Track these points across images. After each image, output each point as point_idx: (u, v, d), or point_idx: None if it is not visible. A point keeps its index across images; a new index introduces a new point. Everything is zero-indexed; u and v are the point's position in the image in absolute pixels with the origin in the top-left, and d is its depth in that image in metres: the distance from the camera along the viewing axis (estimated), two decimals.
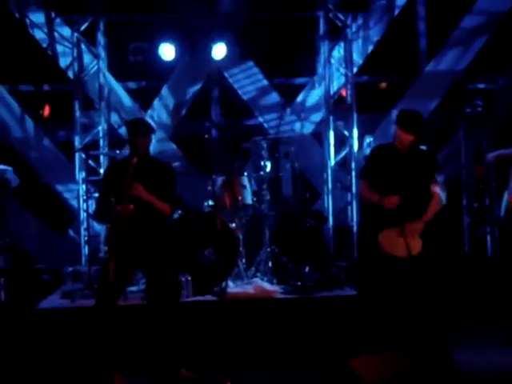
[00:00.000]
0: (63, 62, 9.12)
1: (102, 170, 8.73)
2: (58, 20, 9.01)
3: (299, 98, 9.52)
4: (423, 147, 6.32)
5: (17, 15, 9.02)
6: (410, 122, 5.98)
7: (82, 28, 8.84)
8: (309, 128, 9.48)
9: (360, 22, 9.30)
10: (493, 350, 6.67)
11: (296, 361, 6.38)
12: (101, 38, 9.04)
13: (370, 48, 9.46)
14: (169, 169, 6.03)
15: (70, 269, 7.90)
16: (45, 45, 9.12)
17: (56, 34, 9.05)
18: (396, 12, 9.40)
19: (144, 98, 9.27)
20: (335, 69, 9.17)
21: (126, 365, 5.89)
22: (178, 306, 6.03)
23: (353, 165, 9.02)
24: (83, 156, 8.78)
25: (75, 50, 8.89)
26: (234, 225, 7.49)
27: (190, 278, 6.84)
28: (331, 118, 9.08)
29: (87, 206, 8.40)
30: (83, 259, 8.69)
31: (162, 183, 5.85)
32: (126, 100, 9.30)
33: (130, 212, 5.58)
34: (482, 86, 9.15)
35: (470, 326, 7.48)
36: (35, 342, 6.37)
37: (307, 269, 7.61)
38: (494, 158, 8.47)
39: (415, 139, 5.93)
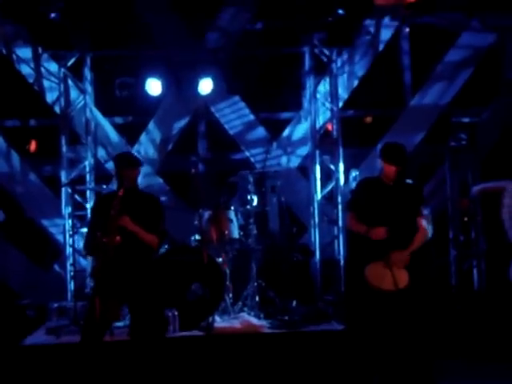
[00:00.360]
0: (50, 97, 9.15)
1: (88, 205, 8.72)
2: (44, 55, 9.05)
3: (285, 133, 9.57)
4: (409, 181, 6.36)
5: (3, 51, 9.05)
6: (392, 153, 6.04)
7: (69, 63, 8.89)
8: (295, 162, 9.51)
9: (345, 57, 9.40)
10: (480, 382, 6.65)
11: None
12: (87, 74, 9.08)
13: (355, 83, 9.54)
14: (156, 201, 6.01)
15: (56, 304, 7.84)
16: (31, 80, 9.14)
17: (43, 70, 9.08)
18: (381, 47, 9.51)
19: (131, 133, 9.30)
20: (321, 103, 9.25)
21: None
22: (164, 341, 5.97)
23: (339, 198, 9.05)
24: (69, 191, 8.76)
25: (62, 85, 8.93)
26: (220, 259, 7.48)
27: (176, 313, 6.80)
28: (317, 152, 9.14)
29: (73, 241, 8.36)
30: (69, 295, 8.63)
31: (150, 215, 5.84)
32: (113, 135, 9.31)
33: (117, 243, 5.55)
34: (466, 119, 9.24)
35: (457, 358, 7.46)
36: (20, 379, 6.29)
37: (294, 303, 7.60)
38: (478, 191, 8.53)
39: (399, 170, 5.97)
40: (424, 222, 6.05)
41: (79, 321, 6.96)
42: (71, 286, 8.64)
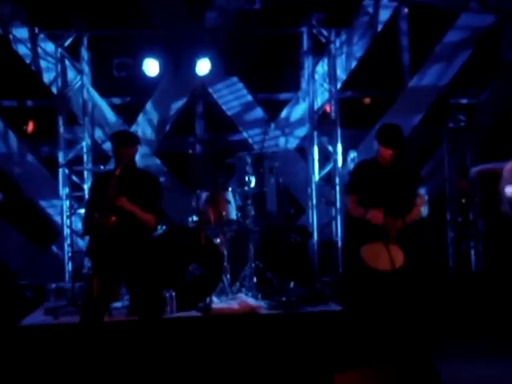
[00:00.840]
0: (47, 77, 9.11)
1: (85, 186, 8.70)
2: (41, 35, 8.99)
3: (283, 114, 9.55)
4: (406, 162, 6.36)
5: (0, 31, 8.99)
6: (389, 136, 6.03)
7: (66, 43, 8.83)
8: (293, 143, 9.50)
9: (343, 37, 9.36)
10: (477, 363, 6.68)
11: (281, 376, 6.35)
12: (85, 54, 9.03)
13: (354, 63, 9.51)
14: (154, 180, 5.99)
15: (54, 285, 7.85)
16: (28, 60, 9.10)
17: (39, 50, 9.03)
18: (379, 28, 9.47)
19: (128, 114, 9.27)
20: (319, 84, 9.22)
21: (110, 381, 5.84)
22: (162, 321, 5.98)
23: (337, 180, 9.04)
24: (67, 172, 8.74)
25: (59, 66, 8.87)
26: (218, 240, 7.48)
27: (174, 294, 6.81)
28: (315, 133, 9.12)
29: (71, 222, 8.35)
30: (67, 275, 8.63)
31: (147, 194, 5.82)
32: (110, 115, 9.28)
33: (113, 224, 5.55)
34: (464, 100, 9.22)
35: (454, 339, 7.49)
36: (18, 360, 6.31)
37: (292, 284, 7.61)
38: (477, 172, 8.52)
39: (396, 153, 5.96)
40: (420, 202, 6.05)
41: (77, 301, 6.98)
42: (69, 266, 8.63)
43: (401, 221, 5.90)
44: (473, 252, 9.28)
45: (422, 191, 6.12)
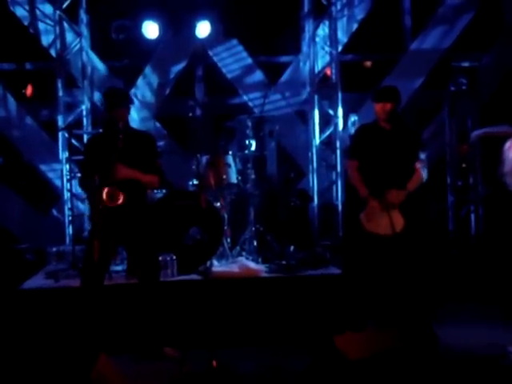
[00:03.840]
0: (45, 40, 9.03)
1: (84, 149, 8.67)
2: None
3: (284, 77, 9.48)
4: (407, 125, 6.34)
5: None
6: (379, 92, 6.07)
7: (64, 5, 8.74)
8: (293, 107, 9.44)
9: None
10: (476, 326, 6.73)
11: (281, 339, 6.40)
12: (83, 16, 8.95)
13: (355, 26, 9.42)
14: (150, 139, 5.95)
15: (54, 249, 7.86)
16: (26, 23, 9.02)
17: (37, 12, 8.94)
18: None
19: (127, 77, 9.20)
20: (320, 47, 9.15)
21: (111, 344, 5.88)
22: (159, 284, 6.01)
23: (337, 144, 9.02)
24: (66, 135, 8.71)
25: (57, 28, 8.80)
26: (218, 204, 7.47)
27: (174, 258, 6.83)
28: (316, 96, 9.08)
29: (71, 186, 8.35)
30: (67, 239, 8.66)
31: (146, 154, 5.80)
32: (110, 78, 9.21)
33: (122, 200, 5.52)
34: (466, 64, 9.15)
35: (453, 302, 7.54)
36: (20, 323, 6.35)
37: (292, 248, 7.62)
38: (478, 136, 8.48)
39: (388, 108, 5.93)
40: (419, 166, 6.05)
41: (78, 264, 7.00)
42: (69, 230, 8.65)
43: (404, 192, 5.90)
44: (473, 216, 9.29)
45: (422, 155, 6.12)
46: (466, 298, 7.65)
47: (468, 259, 8.39)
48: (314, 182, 9.10)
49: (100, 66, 9.18)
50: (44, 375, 4.82)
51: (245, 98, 9.39)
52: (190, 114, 7.84)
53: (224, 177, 7.44)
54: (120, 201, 5.52)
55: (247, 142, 7.78)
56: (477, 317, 7.08)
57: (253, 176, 7.74)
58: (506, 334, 5.94)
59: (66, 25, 8.84)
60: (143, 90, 9.27)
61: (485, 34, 9.46)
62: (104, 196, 5.49)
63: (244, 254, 7.48)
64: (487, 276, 7.95)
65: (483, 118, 9.10)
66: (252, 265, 7.10)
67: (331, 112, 9.06)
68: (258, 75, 9.41)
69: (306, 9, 9.21)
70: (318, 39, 9.13)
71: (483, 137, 8.31)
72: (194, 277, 6.86)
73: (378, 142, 6.03)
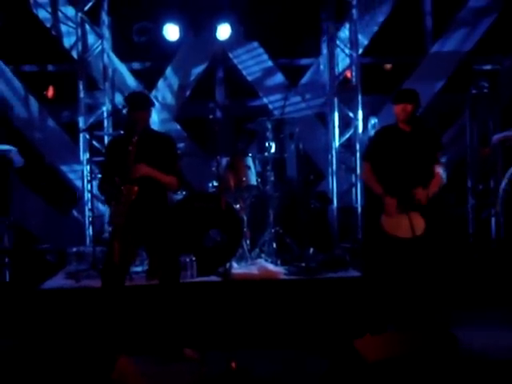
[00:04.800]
0: (67, 42, 9.10)
1: (104, 151, 8.72)
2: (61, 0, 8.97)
3: (304, 79, 9.49)
4: (427, 127, 6.32)
5: None
6: (398, 93, 6.09)
7: (86, 8, 8.79)
8: (313, 109, 9.44)
9: (366, 2, 9.25)
10: (497, 331, 6.68)
11: (300, 341, 6.39)
12: (105, 18, 9.01)
13: (376, 28, 9.40)
14: (170, 141, 5.98)
15: (75, 249, 7.90)
16: (48, 25, 9.09)
17: (60, 14, 9.02)
18: None
19: (148, 79, 9.25)
20: (340, 50, 9.13)
21: (131, 345, 5.91)
22: (180, 285, 6.03)
23: (357, 146, 8.99)
24: (87, 137, 8.75)
25: (79, 30, 8.84)
26: (238, 206, 7.49)
27: (194, 259, 6.85)
28: (336, 99, 9.05)
29: (91, 187, 8.39)
30: (87, 240, 8.70)
31: (165, 156, 5.82)
32: (131, 80, 9.26)
33: (136, 194, 5.57)
34: (487, 67, 9.11)
35: (473, 307, 7.49)
36: (40, 323, 6.39)
37: (311, 250, 7.61)
38: (499, 139, 8.46)
39: (408, 109, 5.93)
40: (440, 169, 6.03)
41: (98, 265, 7.03)
42: (90, 231, 8.70)
43: (428, 191, 5.89)
44: (493, 220, 9.23)
45: (443, 159, 6.11)
46: (487, 302, 7.60)
47: (488, 263, 8.33)
48: (333, 184, 9.08)
49: (121, 67, 9.23)
50: (65, 375, 4.86)
51: (265, 100, 9.40)
52: (211, 116, 7.86)
53: (244, 179, 7.45)
54: (134, 194, 5.54)
55: (267, 144, 7.79)
56: (498, 321, 7.03)
57: (272, 178, 7.74)
58: None
59: (87, 27, 8.89)
60: (164, 91, 9.31)
61: (507, 37, 9.39)
62: (124, 192, 5.54)
63: (263, 255, 7.49)
64: (508, 280, 7.89)
65: (504, 121, 9.05)
66: (271, 267, 7.11)
67: (351, 114, 9.03)
68: (279, 77, 9.42)
69: (326, 11, 9.18)
70: (338, 42, 9.11)
71: (504, 140, 8.28)
72: (214, 278, 6.87)
73: (398, 144, 6.03)
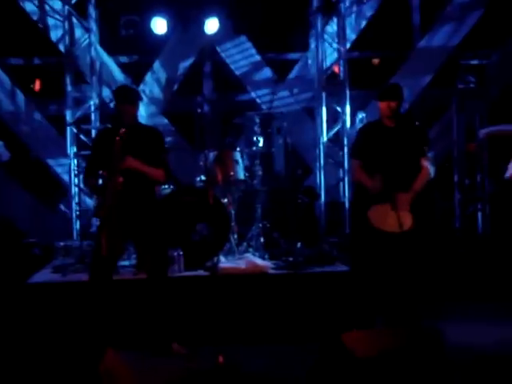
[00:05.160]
0: (54, 35, 9.05)
1: (91, 143, 8.70)
2: None
3: (292, 74, 9.49)
4: (413, 122, 6.34)
5: None
6: (383, 90, 6.08)
7: (73, 1, 8.74)
8: (301, 104, 9.45)
9: None
10: (482, 325, 6.73)
11: (287, 336, 6.41)
12: (92, 11, 8.95)
13: (364, 23, 9.42)
14: (158, 134, 5.96)
15: (62, 243, 7.90)
16: (35, 17, 9.04)
17: (47, 7, 8.96)
18: None
19: (136, 73, 9.22)
20: (328, 44, 9.14)
21: (118, 339, 5.90)
22: (167, 280, 6.02)
23: (345, 141, 9.01)
24: (74, 130, 8.74)
25: (66, 23, 8.80)
26: (225, 200, 7.48)
27: (181, 253, 6.85)
28: (324, 93, 9.06)
29: (78, 181, 8.39)
30: (74, 234, 8.68)
31: (152, 149, 5.81)
32: (118, 74, 9.23)
33: (120, 186, 5.55)
34: (474, 61, 9.15)
35: (459, 300, 7.54)
36: (27, 317, 6.37)
37: (299, 245, 7.61)
38: (485, 134, 8.49)
39: (392, 106, 5.94)
40: (426, 163, 6.04)
41: (85, 259, 7.02)
42: (77, 225, 8.69)
43: (412, 194, 5.90)
44: (479, 214, 9.28)
45: (429, 153, 6.12)
46: (473, 296, 7.65)
47: (474, 257, 8.37)
48: (321, 179, 9.10)
49: (109, 61, 9.20)
50: (52, 369, 4.85)
51: (253, 94, 9.40)
52: (198, 110, 7.85)
53: (231, 173, 7.45)
54: (119, 185, 5.53)
55: (255, 138, 7.78)
56: (483, 315, 7.08)
57: (260, 172, 7.74)
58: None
59: (74, 20, 8.84)
60: (151, 85, 9.29)
61: (494, 32, 9.43)
62: (109, 184, 5.54)
63: (251, 250, 7.49)
64: (493, 274, 7.95)
65: (491, 117, 9.09)
66: (259, 261, 7.11)
67: (339, 109, 9.05)
68: (267, 72, 9.42)
69: (314, 5, 9.19)
70: (326, 36, 9.12)
71: (491, 135, 8.32)
72: (201, 273, 6.87)
73: (383, 140, 6.03)
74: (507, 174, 7.68)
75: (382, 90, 6.14)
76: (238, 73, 9.39)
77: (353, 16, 9.32)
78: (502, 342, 5.95)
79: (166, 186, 7.38)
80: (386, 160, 5.96)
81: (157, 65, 9.31)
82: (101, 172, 5.68)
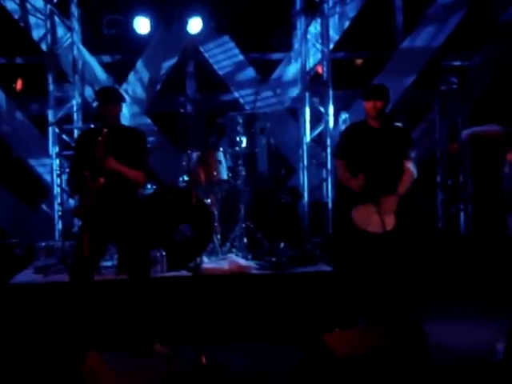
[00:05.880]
0: (36, 34, 8.99)
1: (74, 144, 8.65)
2: None
3: (275, 74, 9.48)
4: (397, 124, 6.36)
5: None
6: (369, 89, 6.09)
7: None
8: (284, 104, 9.45)
9: None
10: (464, 324, 6.77)
11: (270, 336, 6.41)
12: (74, 10, 8.89)
13: (347, 24, 9.43)
14: (140, 135, 5.94)
15: (43, 244, 7.85)
16: (17, 16, 8.97)
17: (28, 6, 8.90)
18: None
19: (119, 72, 9.17)
20: (311, 45, 9.15)
21: (100, 340, 5.87)
22: (151, 280, 6.00)
23: (328, 141, 9.02)
24: (57, 130, 8.69)
25: (48, 22, 8.75)
26: (209, 200, 7.47)
27: (164, 254, 6.83)
28: (307, 94, 9.07)
29: (61, 181, 8.35)
30: (56, 234, 8.63)
31: (134, 151, 5.78)
32: (101, 73, 9.19)
33: (101, 186, 5.52)
34: (457, 63, 9.19)
35: (441, 300, 7.58)
36: (8, 318, 6.33)
37: (282, 245, 7.61)
38: (468, 135, 8.52)
39: (378, 106, 5.95)
40: (410, 165, 6.06)
41: (67, 260, 6.98)
42: (59, 225, 8.65)
43: (397, 197, 5.92)
44: (462, 214, 9.32)
45: (413, 154, 6.14)
46: (455, 296, 7.69)
47: (457, 257, 8.42)
48: (304, 179, 9.11)
49: (91, 60, 9.15)
50: (33, 370, 4.82)
51: (236, 94, 9.39)
52: (181, 110, 7.84)
53: (215, 173, 7.44)
54: (100, 185, 5.50)
55: (238, 138, 7.78)
56: (465, 314, 7.12)
57: (243, 173, 7.74)
58: (495, 331, 5.97)
59: (57, 19, 8.78)
60: (134, 85, 9.25)
61: (475, 33, 9.48)
62: (89, 184, 5.51)
63: (234, 250, 7.48)
64: (475, 274, 7.99)
65: (473, 117, 9.13)
66: (242, 262, 7.10)
67: (322, 109, 9.06)
68: (250, 72, 9.41)
69: (298, 6, 9.20)
70: (309, 37, 9.12)
71: (473, 136, 8.35)
72: (184, 273, 6.86)
73: (368, 141, 6.04)
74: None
75: (368, 89, 6.15)
76: (221, 73, 9.37)
77: (336, 16, 9.32)
78: (483, 341, 5.98)
79: (149, 186, 7.35)
80: (370, 161, 5.98)
81: (140, 64, 9.27)
82: (85, 172, 5.65)
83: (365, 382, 4.31)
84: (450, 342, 6.12)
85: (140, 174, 5.80)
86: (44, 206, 9.16)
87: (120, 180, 5.70)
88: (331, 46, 9.21)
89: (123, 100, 5.95)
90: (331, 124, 9.00)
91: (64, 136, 8.71)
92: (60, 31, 8.84)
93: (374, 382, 4.34)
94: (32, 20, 8.95)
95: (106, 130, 5.61)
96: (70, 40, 8.78)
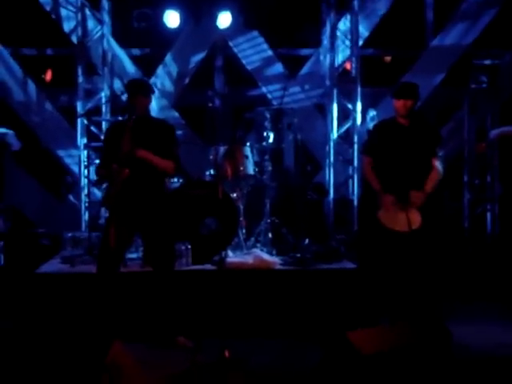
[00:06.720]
0: (67, 26, 9.05)
1: (103, 137, 8.71)
2: None
3: (303, 70, 9.46)
4: (426, 121, 6.32)
5: None
6: (399, 88, 6.07)
7: None
8: (312, 100, 9.42)
9: None
10: (490, 325, 6.72)
11: (293, 332, 6.41)
12: (105, 3, 8.95)
13: (377, 20, 9.38)
14: (169, 127, 5.98)
15: (70, 234, 7.91)
16: (48, 8, 9.04)
17: None
18: None
19: (147, 65, 9.21)
20: (341, 41, 9.10)
21: (125, 331, 5.91)
22: (174, 273, 6.03)
23: (355, 138, 8.99)
24: (85, 122, 8.76)
25: (79, 15, 8.81)
26: (235, 195, 7.49)
27: (189, 247, 6.86)
28: (335, 90, 9.03)
29: (88, 172, 8.39)
30: (83, 225, 8.70)
31: (163, 141, 5.82)
32: (130, 66, 9.23)
33: (126, 176, 5.55)
34: (487, 61, 9.11)
35: (467, 301, 7.53)
36: (35, 307, 6.39)
37: (307, 241, 7.62)
38: (497, 134, 8.47)
39: (408, 105, 5.93)
40: (438, 163, 6.04)
41: (93, 251, 7.04)
42: (85, 216, 8.71)
43: (425, 193, 5.90)
44: (489, 215, 9.25)
45: (440, 152, 6.11)
46: (481, 296, 7.64)
47: (483, 258, 8.36)
48: (330, 175, 9.08)
49: (120, 53, 9.20)
50: (58, 360, 4.86)
51: (264, 89, 9.38)
52: (209, 105, 7.86)
53: (241, 168, 7.45)
54: (125, 176, 5.54)
55: (265, 133, 7.79)
56: (491, 316, 7.07)
57: (270, 168, 7.75)
58: None
59: (87, 12, 8.85)
60: (163, 79, 9.28)
61: (507, 32, 9.38)
62: (115, 174, 5.55)
63: (259, 245, 7.49)
64: (502, 275, 7.93)
65: (503, 117, 9.05)
66: (266, 257, 7.11)
67: (350, 106, 9.03)
68: (278, 67, 9.40)
69: (328, 2, 9.16)
70: (338, 33, 9.08)
71: (502, 135, 8.29)
72: (208, 267, 6.88)
73: (397, 138, 6.03)
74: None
75: (399, 88, 6.12)
76: (249, 67, 9.37)
77: (366, 13, 9.28)
78: (509, 344, 5.94)
79: (176, 180, 7.39)
80: (398, 158, 5.97)
81: (168, 58, 9.30)
82: (113, 165, 5.68)
83: (388, 380, 4.31)
84: (475, 342, 6.07)
85: (170, 163, 5.82)
86: (71, 197, 9.23)
87: (147, 171, 5.73)
88: (360, 43, 9.17)
89: (152, 92, 5.99)
90: (358, 121, 8.97)
91: (92, 128, 8.77)
92: (90, 24, 8.90)
93: (397, 379, 4.33)
94: (63, 12, 9.01)
95: (131, 121, 5.64)
96: (100, 33, 8.84)
